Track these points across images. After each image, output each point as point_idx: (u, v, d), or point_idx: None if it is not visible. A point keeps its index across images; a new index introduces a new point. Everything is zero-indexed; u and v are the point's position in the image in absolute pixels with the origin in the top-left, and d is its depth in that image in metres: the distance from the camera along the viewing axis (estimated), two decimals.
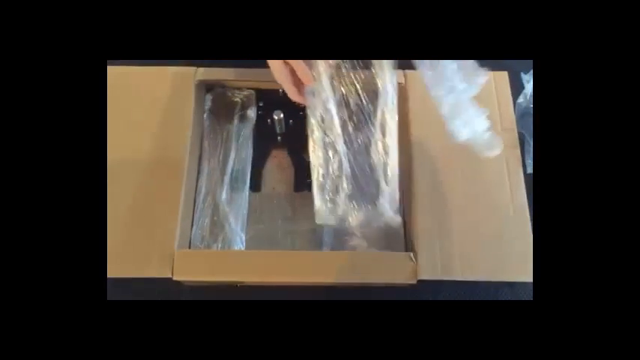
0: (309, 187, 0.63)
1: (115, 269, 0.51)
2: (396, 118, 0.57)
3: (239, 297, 0.59)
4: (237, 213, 0.60)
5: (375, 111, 0.57)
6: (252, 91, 0.68)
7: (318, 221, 0.56)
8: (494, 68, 0.63)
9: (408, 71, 0.62)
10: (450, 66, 0.51)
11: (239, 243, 0.60)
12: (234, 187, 0.63)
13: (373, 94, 0.58)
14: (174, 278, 0.52)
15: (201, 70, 0.63)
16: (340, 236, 0.61)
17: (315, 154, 0.56)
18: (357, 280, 0.53)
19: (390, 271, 0.53)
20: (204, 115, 0.66)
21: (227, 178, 0.63)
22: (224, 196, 0.62)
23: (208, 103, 0.67)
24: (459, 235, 0.55)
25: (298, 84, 0.55)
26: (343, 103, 0.58)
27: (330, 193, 0.56)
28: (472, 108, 0.51)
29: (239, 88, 0.68)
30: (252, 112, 0.67)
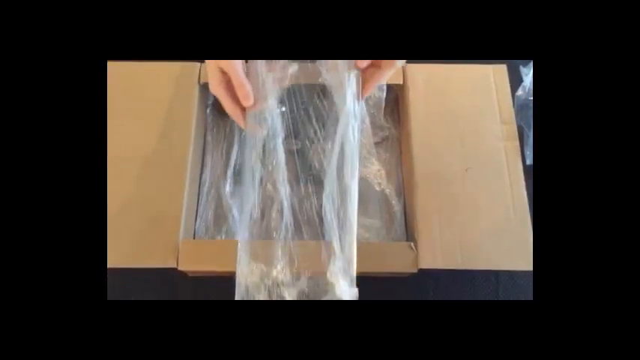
0: (312, 179, 0.63)
1: (119, 259, 0.52)
2: (358, 155, 0.48)
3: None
4: (240, 205, 0.61)
5: (332, 144, 0.48)
6: None
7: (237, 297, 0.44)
8: (493, 61, 0.64)
9: (407, 65, 0.63)
10: None
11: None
12: (237, 180, 0.64)
13: (331, 123, 0.49)
14: (180, 268, 0.53)
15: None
16: None
17: (246, 193, 0.47)
18: (358, 270, 0.54)
19: (391, 260, 0.54)
20: (207, 110, 0.67)
21: (230, 172, 0.64)
22: (227, 188, 0.63)
23: (211, 98, 0.67)
24: (459, 225, 0.55)
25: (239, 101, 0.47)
26: (292, 133, 0.50)
27: (261, 252, 0.47)
28: None
29: None
30: None
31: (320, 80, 0.52)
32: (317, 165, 0.50)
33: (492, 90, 0.63)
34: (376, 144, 0.66)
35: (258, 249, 0.47)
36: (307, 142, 0.52)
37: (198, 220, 0.61)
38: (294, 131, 0.50)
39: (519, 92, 0.68)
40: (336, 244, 0.47)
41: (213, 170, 0.64)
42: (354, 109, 0.47)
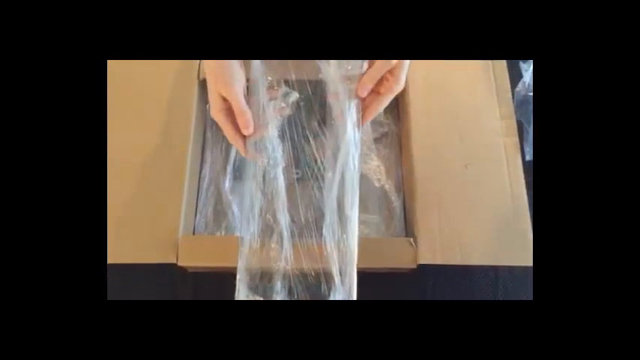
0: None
1: (119, 255, 0.52)
2: (358, 184, 0.48)
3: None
4: (239, 201, 0.61)
5: (332, 173, 0.48)
6: None
7: None
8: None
9: None
10: None
11: None
12: (236, 176, 0.64)
13: (332, 152, 0.50)
14: (179, 264, 0.53)
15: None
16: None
17: (247, 226, 0.47)
18: (357, 266, 0.54)
19: (390, 256, 0.54)
20: (207, 106, 0.67)
21: (230, 167, 0.64)
22: (227, 184, 0.63)
23: None
24: (458, 221, 0.55)
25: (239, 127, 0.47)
26: (292, 161, 0.50)
27: (260, 284, 0.47)
28: None
29: None
30: None
31: (320, 76, 0.52)
32: (317, 194, 0.51)
33: (492, 86, 0.63)
34: (376, 140, 0.66)
35: (256, 280, 0.47)
36: (307, 171, 0.53)
37: (197, 215, 0.62)
38: (294, 160, 0.51)
39: (519, 88, 0.68)
40: (336, 276, 0.47)
41: (213, 166, 0.64)
42: (354, 138, 0.48)
